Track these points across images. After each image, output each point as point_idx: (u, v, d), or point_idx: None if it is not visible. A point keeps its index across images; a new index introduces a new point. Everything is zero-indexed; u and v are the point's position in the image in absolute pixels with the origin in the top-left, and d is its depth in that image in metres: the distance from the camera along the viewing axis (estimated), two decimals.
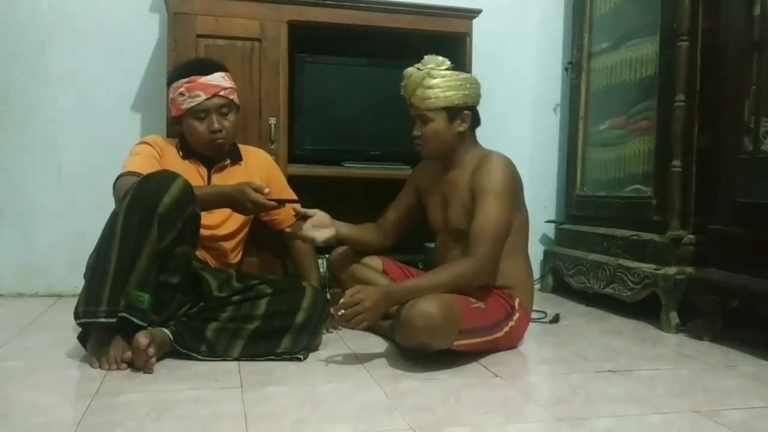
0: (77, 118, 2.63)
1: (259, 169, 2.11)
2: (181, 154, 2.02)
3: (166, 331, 1.72)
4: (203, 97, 1.93)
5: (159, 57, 2.61)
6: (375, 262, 2.15)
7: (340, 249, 2.17)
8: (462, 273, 1.79)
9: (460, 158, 1.97)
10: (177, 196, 1.68)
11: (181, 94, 1.94)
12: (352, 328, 1.79)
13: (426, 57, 1.93)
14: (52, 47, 2.60)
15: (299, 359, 1.78)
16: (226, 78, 2.00)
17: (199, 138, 1.97)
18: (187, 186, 1.72)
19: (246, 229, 2.10)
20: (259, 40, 2.36)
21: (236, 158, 2.08)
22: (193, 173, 1.97)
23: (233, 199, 1.83)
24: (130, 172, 1.85)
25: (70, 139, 2.63)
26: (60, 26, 2.60)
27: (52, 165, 2.62)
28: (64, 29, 2.60)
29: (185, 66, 2.03)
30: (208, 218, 1.95)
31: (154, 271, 1.67)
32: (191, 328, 1.76)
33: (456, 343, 1.73)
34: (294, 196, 2.21)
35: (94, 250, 1.72)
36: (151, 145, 1.98)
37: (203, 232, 1.95)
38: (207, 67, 1.99)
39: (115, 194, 1.83)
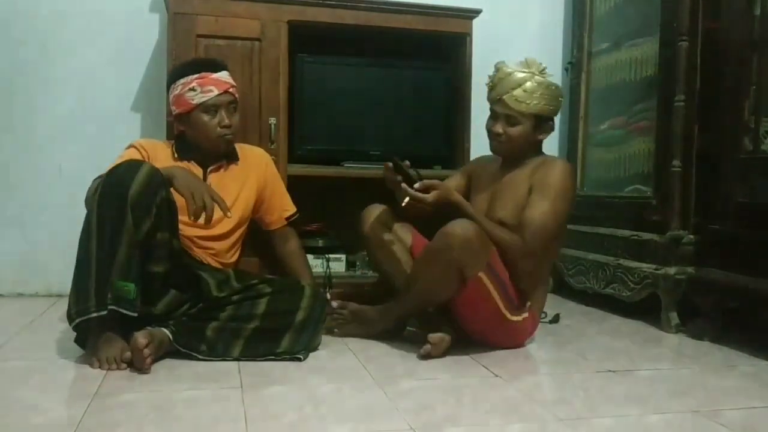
0: (77, 118, 2.63)
1: (255, 168, 2.11)
2: (175, 155, 2.01)
3: (166, 330, 1.72)
4: (216, 92, 1.95)
5: (159, 57, 2.61)
6: (407, 236, 2.07)
7: (376, 209, 2.07)
8: (510, 241, 1.85)
9: (523, 160, 2.00)
10: (145, 182, 1.69)
11: (192, 89, 1.94)
12: (406, 207, 1.85)
13: (527, 59, 1.96)
14: (52, 47, 2.60)
15: (299, 359, 1.78)
16: (230, 77, 2.02)
17: (208, 133, 1.96)
18: (154, 170, 1.73)
19: (242, 229, 2.09)
20: (259, 40, 2.36)
21: (233, 158, 2.08)
22: None
23: (197, 179, 1.82)
24: (100, 175, 1.83)
25: (70, 139, 2.63)
26: (60, 26, 2.60)
27: (52, 165, 2.62)
28: (65, 29, 2.60)
29: (192, 64, 2.03)
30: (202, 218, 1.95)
31: (135, 261, 1.68)
32: (191, 328, 1.76)
33: (480, 273, 1.78)
34: (289, 199, 2.21)
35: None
36: (136, 148, 1.97)
37: (197, 232, 1.95)
38: (215, 64, 2.01)
39: (86, 197, 1.80)
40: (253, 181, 2.09)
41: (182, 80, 1.96)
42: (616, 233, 2.56)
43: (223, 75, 1.99)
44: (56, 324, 2.13)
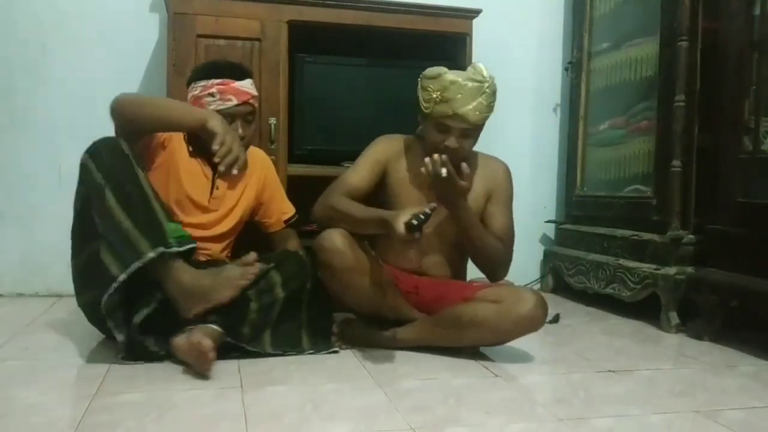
0: (77, 118, 2.63)
1: (258, 171, 2.09)
2: (190, 149, 1.96)
3: (215, 327, 1.70)
4: (234, 102, 1.91)
5: (159, 57, 2.61)
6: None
7: (337, 231, 1.81)
8: (503, 253, 1.91)
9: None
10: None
11: (212, 95, 1.89)
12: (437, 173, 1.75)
13: (475, 65, 1.84)
14: (52, 48, 2.60)
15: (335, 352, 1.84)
16: (254, 85, 1.99)
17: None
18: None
19: (238, 230, 2.07)
20: (259, 40, 2.36)
21: None
22: (198, 174, 1.95)
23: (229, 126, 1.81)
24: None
25: (70, 139, 2.62)
26: (60, 26, 2.60)
27: (52, 165, 2.62)
28: (65, 29, 2.60)
29: (217, 67, 1.98)
30: (201, 217, 1.94)
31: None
32: (232, 320, 1.77)
33: None
34: (288, 202, 2.19)
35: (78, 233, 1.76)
36: (154, 135, 1.91)
37: (196, 233, 1.90)
38: (241, 72, 1.97)
39: (117, 100, 1.84)
40: (254, 182, 2.08)
41: (203, 82, 1.92)
42: (616, 233, 2.56)
43: (246, 84, 1.94)
44: (56, 324, 2.13)
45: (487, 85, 1.81)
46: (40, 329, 2.09)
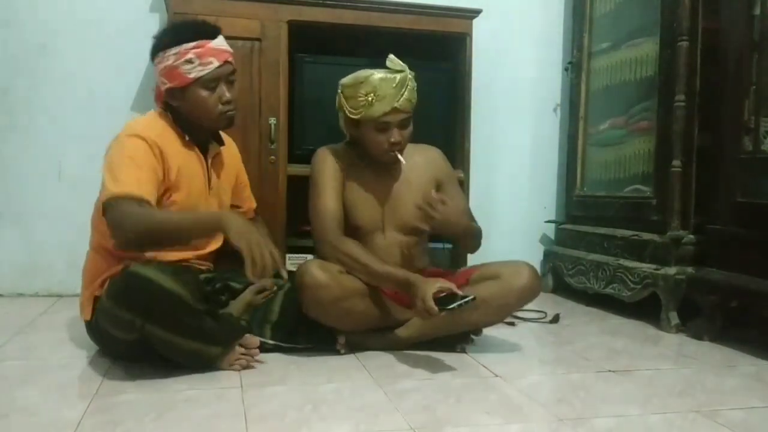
0: (77, 118, 2.63)
1: (233, 157, 2.01)
2: (186, 137, 1.78)
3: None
4: (216, 64, 1.72)
5: None
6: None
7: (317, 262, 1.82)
8: (479, 228, 1.99)
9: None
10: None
11: (189, 61, 1.69)
12: (431, 217, 1.78)
13: (390, 58, 1.88)
14: (52, 48, 2.60)
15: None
16: (226, 42, 1.81)
17: (208, 110, 1.75)
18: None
19: None
20: (259, 40, 2.36)
21: (221, 141, 1.92)
22: (194, 163, 1.81)
23: (251, 227, 1.64)
24: (129, 195, 1.58)
25: (70, 139, 2.63)
26: (60, 27, 2.60)
27: (52, 165, 2.62)
28: (65, 30, 2.60)
29: (185, 29, 1.77)
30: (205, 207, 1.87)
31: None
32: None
33: None
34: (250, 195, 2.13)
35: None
36: (148, 144, 1.67)
37: (194, 253, 1.85)
38: (213, 30, 1.77)
39: (114, 222, 1.57)
40: (234, 165, 2.00)
41: (174, 50, 1.70)
42: (616, 233, 2.56)
43: (221, 42, 1.76)
44: (56, 324, 2.13)
45: (407, 72, 1.86)
46: (40, 329, 2.09)
